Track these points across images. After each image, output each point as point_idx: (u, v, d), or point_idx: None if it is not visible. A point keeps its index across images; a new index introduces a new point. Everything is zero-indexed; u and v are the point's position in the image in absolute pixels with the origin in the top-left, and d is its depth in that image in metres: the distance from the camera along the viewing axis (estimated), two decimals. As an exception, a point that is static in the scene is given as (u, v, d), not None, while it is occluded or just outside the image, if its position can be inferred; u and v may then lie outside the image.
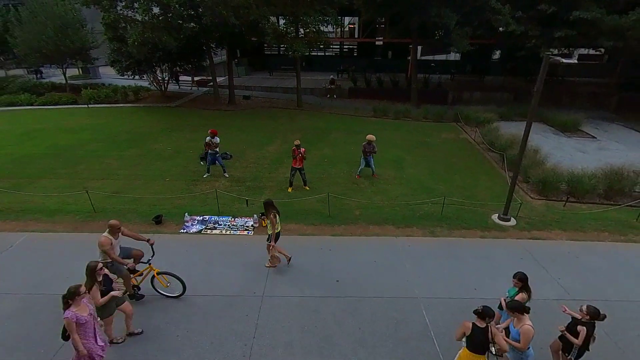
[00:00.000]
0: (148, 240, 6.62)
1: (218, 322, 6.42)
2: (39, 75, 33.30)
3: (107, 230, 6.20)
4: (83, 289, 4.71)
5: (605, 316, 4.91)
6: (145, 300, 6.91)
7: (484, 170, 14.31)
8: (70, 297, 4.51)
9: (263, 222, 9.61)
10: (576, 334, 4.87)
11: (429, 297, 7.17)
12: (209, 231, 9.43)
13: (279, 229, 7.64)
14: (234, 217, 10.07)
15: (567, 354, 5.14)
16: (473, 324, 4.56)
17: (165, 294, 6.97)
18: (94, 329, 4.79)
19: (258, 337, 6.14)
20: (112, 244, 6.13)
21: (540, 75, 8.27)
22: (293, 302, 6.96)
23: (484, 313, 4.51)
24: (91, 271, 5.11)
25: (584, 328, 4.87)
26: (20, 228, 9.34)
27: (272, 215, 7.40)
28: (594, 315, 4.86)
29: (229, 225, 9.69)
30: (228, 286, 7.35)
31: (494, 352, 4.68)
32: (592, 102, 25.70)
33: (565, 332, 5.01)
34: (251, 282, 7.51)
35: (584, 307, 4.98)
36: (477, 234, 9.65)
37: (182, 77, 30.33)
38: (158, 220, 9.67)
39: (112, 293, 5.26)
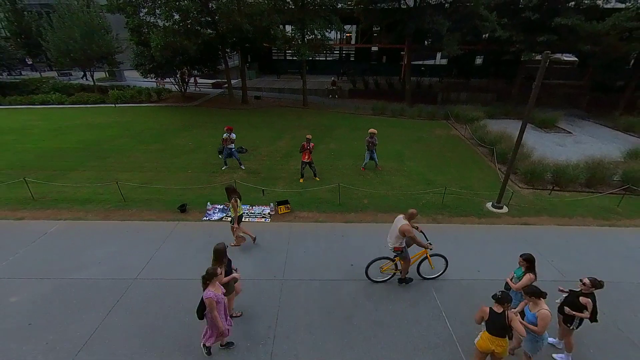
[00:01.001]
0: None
1: (242, 305, 6.02)
2: (68, 77, 32.46)
3: (403, 216, 6.04)
4: (219, 270, 4.58)
5: (603, 284, 4.66)
6: (175, 284, 6.51)
7: (475, 163, 13.89)
8: (209, 279, 4.42)
9: (279, 210, 9.21)
10: (579, 306, 4.64)
11: (438, 279, 6.80)
12: (229, 218, 9.01)
13: (241, 212, 7.43)
14: (252, 205, 9.65)
15: (569, 325, 4.81)
16: (490, 308, 4.18)
17: (427, 277, 6.80)
18: (224, 307, 4.65)
19: (280, 318, 5.78)
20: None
21: (539, 73, 7.75)
22: (312, 285, 6.59)
23: (503, 299, 4.13)
24: (220, 254, 5.07)
25: (589, 300, 4.61)
26: (54, 216, 8.90)
27: (233, 200, 7.09)
28: (597, 285, 4.61)
29: (247, 212, 9.27)
30: (249, 270, 6.94)
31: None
32: (567, 101, 25.28)
33: (571, 311, 4.69)
34: (271, 266, 7.14)
35: (586, 280, 4.67)
36: (475, 220, 9.28)
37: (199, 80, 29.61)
38: (183, 208, 9.23)
39: (234, 275, 5.20)
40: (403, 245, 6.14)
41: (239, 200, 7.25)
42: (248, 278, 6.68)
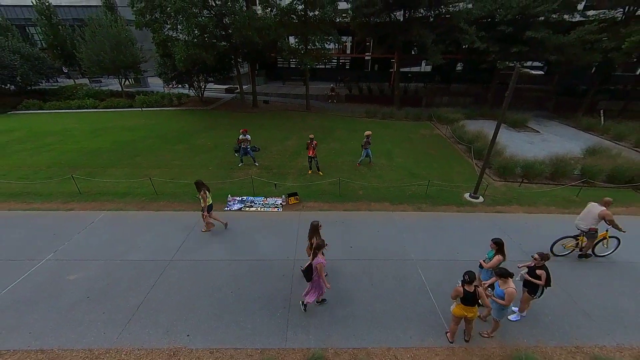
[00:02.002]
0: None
1: (262, 281, 6.33)
2: (99, 84, 32.32)
3: (599, 204, 6.57)
4: (324, 241, 5.19)
5: (549, 256, 5.12)
6: (205, 265, 6.79)
7: (455, 158, 14.09)
8: (318, 249, 5.01)
9: (290, 200, 9.46)
10: (537, 277, 5.05)
11: (423, 260, 7.09)
12: (247, 209, 9.27)
13: (210, 202, 7.64)
14: (266, 197, 9.89)
15: (533, 295, 5.18)
16: (463, 288, 4.48)
17: (599, 255, 7.27)
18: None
19: (294, 292, 6.06)
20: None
21: (512, 83, 7.92)
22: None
23: (470, 280, 4.43)
24: (315, 229, 5.79)
25: (543, 271, 5.02)
26: (99, 207, 9.16)
27: (202, 192, 7.35)
28: (544, 257, 5.03)
29: (262, 203, 9.52)
30: (266, 252, 7.23)
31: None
32: (536, 104, 25.28)
33: (530, 278, 5.10)
34: (283, 249, 7.39)
35: (536, 255, 5.07)
36: (454, 209, 9.52)
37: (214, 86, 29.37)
38: (207, 200, 9.46)
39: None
40: (597, 227, 6.67)
41: (207, 193, 7.46)
42: (265, 259, 6.99)
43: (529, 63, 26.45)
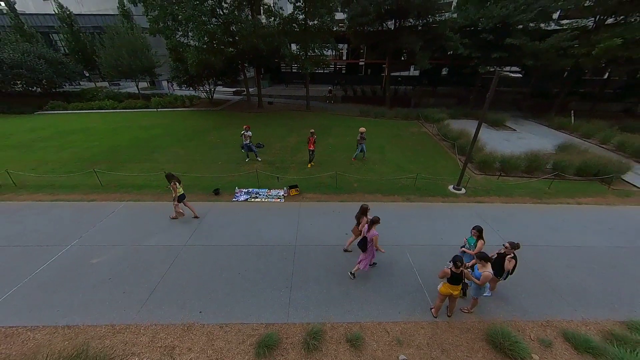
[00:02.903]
0: None
1: (266, 264, 6.32)
2: (117, 87, 31.83)
3: None
4: (379, 218, 5.45)
5: (519, 244, 5.03)
6: (215, 249, 6.76)
7: (440, 154, 13.99)
8: (374, 223, 5.37)
9: (291, 192, 9.40)
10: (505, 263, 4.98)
11: (411, 245, 7.08)
12: (252, 199, 9.21)
13: (181, 192, 7.53)
14: (270, 189, 9.81)
15: (499, 277, 5.15)
16: (450, 269, 4.48)
17: None
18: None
19: (295, 273, 6.07)
20: None
21: (492, 85, 7.82)
22: (318, 250, 6.83)
23: (457, 263, 4.44)
24: (364, 210, 6.03)
25: (513, 260, 4.94)
26: (118, 199, 9.07)
27: (172, 184, 7.28)
28: (515, 246, 4.97)
29: (266, 195, 9.45)
30: (269, 238, 7.20)
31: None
32: (513, 105, 25.16)
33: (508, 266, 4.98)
34: (285, 235, 7.35)
35: (507, 243, 5.03)
36: (440, 199, 9.47)
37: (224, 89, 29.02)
38: (217, 192, 9.39)
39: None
40: None
41: (177, 184, 7.32)
42: (269, 245, 6.96)
43: (507, 68, 26.26)
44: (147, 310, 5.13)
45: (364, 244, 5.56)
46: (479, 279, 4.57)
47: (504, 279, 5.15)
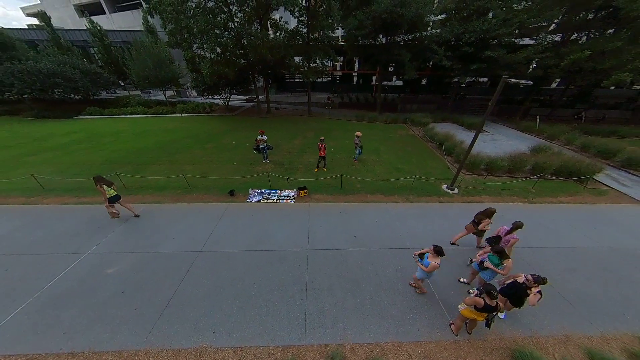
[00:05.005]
0: None
1: (280, 271, 5.11)
2: (148, 95, 29.52)
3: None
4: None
5: (546, 280, 3.66)
6: (229, 255, 5.52)
7: (428, 155, 12.63)
8: (518, 227, 4.68)
9: (300, 194, 8.11)
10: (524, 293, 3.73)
11: (418, 248, 5.86)
12: (265, 200, 7.92)
13: (113, 193, 6.41)
14: (281, 190, 8.51)
15: (517, 306, 3.86)
16: (484, 300, 3.31)
17: None
18: None
19: (309, 281, 4.87)
20: None
21: (496, 93, 6.43)
22: (329, 254, 5.62)
23: (493, 293, 3.30)
24: (491, 213, 5.31)
25: (538, 295, 3.59)
26: (140, 200, 7.71)
27: (98, 187, 6.12)
28: (541, 281, 3.61)
29: (277, 195, 8.16)
30: (282, 242, 5.96)
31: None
32: (483, 110, 23.56)
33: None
34: (297, 238, 6.11)
35: (530, 276, 3.69)
36: (436, 199, 8.25)
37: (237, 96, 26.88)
38: (232, 193, 8.07)
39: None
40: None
41: (104, 186, 6.22)
42: (282, 249, 5.73)
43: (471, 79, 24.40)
44: (158, 331, 3.93)
45: (496, 241, 4.81)
46: (427, 267, 3.79)
47: (519, 308, 3.90)
